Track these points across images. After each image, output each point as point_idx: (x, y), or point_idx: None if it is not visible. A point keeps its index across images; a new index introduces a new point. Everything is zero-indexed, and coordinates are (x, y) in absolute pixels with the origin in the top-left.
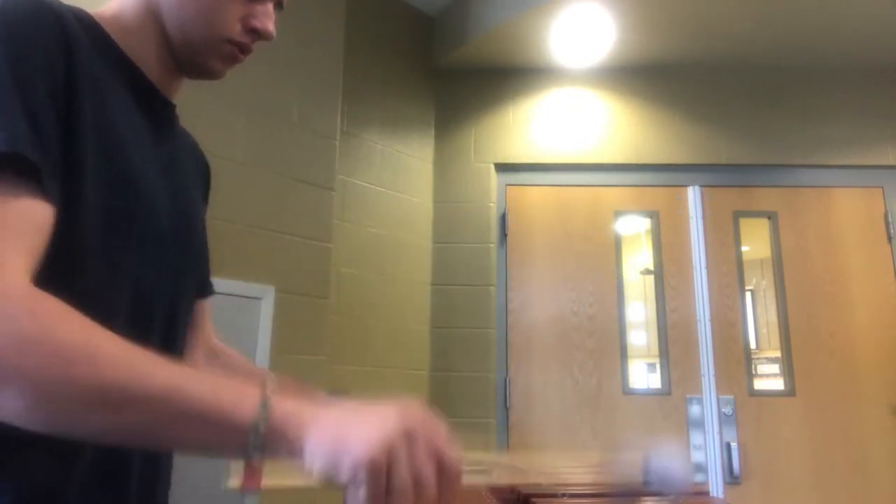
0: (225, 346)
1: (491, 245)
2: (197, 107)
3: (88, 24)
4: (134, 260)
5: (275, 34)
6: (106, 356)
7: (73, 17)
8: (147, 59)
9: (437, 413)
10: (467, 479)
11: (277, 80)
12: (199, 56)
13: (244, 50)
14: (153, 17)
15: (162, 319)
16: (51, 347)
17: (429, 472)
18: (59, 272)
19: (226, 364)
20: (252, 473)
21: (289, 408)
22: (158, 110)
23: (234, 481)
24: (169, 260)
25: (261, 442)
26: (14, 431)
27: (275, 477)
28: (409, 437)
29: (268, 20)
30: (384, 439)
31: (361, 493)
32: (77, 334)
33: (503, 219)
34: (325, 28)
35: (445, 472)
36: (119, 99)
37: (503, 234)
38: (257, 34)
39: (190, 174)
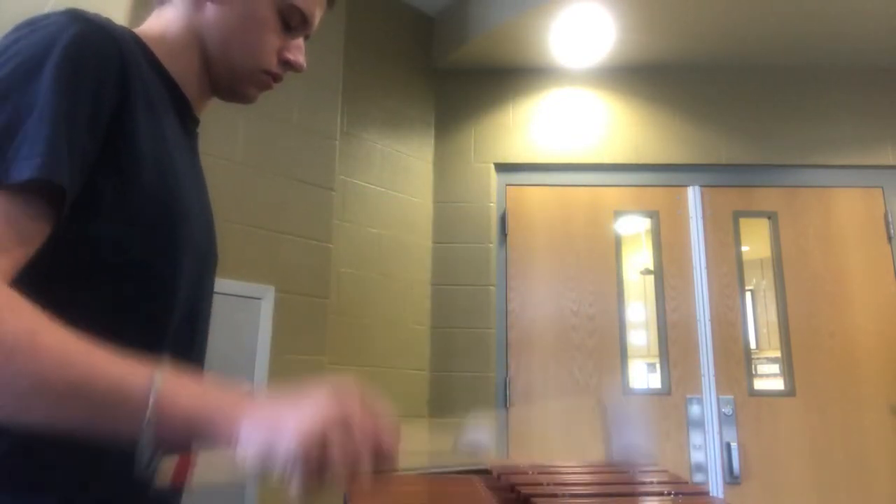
0: None
1: (491, 245)
2: None
3: (141, 46)
4: (175, 270)
5: (305, 66)
6: (47, 348)
7: (132, 41)
8: (187, 78)
9: (377, 403)
10: (404, 462)
11: None
12: (237, 83)
13: (276, 79)
14: (197, 43)
15: (193, 329)
16: None
17: (362, 455)
18: (104, 281)
19: None
20: (181, 468)
21: (212, 398)
22: (191, 127)
23: (163, 477)
24: (201, 270)
25: (152, 427)
26: (40, 447)
27: (205, 472)
28: (342, 422)
29: (300, 53)
30: (317, 426)
31: (295, 478)
32: (21, 325)
33: (503, 219)
34: (325, 28)
35: (380, 455)
36: (168, 116)
37: (503, 234)
38: (290, 66)
39: (206, 187)
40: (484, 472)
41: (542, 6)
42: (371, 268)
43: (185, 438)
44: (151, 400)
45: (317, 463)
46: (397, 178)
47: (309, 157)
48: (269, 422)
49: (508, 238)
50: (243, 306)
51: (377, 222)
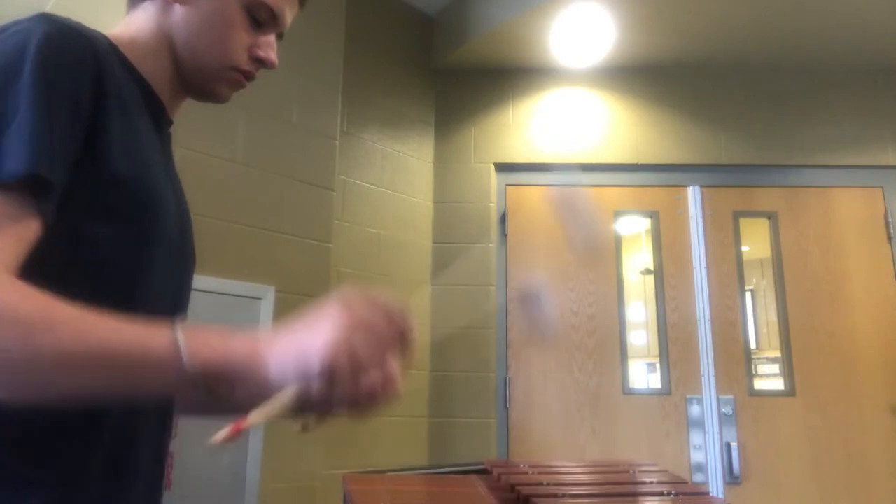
0: None
1: (491, 245)
2: (197, 107)
3: (113, 49)
4: (152, 269)
5: (277, 63)
6: (62, 322)
7: (104, 43)
8: (159, 81)
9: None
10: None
11: (278, 80)
12: (208, 82)
13: (248, 77)
14: (167, 44)
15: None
16: (9, 319)
17: (387, 345)
18: (82, 281)
19: None
20: (235, 423)
21: (232, 345)
22: (165, 128)
23: (219, 435)
24: (178, 267)
25: (195, 372)
26: (31, 434)
27: (254, 416)
28: (360, 324)
29: (270, 50)
30: (339, 334)
31: (338, 389)
32: (33, 305)
33: (503, 219)
34: (325, 28)
35: (402, 336)
36: (141, 117)
37: (503, 234)
38: (261, 63)
39: (181, 185)
40: (484, 472)
41: (542, 6)
42: (371, 268)
43: (213, 387)
44: (183, 348)
45: (351, 368)
46: (397, 178)
47: (309, 157)
48: (294, 348)
49: (508, 238)
50: (243, 306)
51: (377, 222)
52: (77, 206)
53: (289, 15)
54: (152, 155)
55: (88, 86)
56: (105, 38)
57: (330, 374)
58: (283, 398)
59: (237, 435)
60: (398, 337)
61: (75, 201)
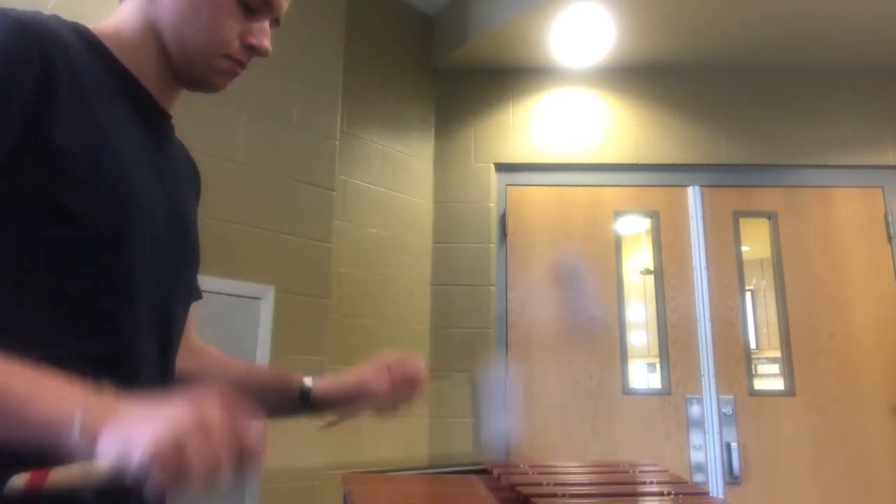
0: (205, 345)
1: (491, 245)
2: (197, 107)
3: (89, 40)
4: (129, 269)
5: (270, 50)
6: None
7: (72, 33)
8: (147, 72)
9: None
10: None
11: (278, 80)
12: (198, 71)
13: (241, 65)
14: (153, 34)
15: (159, 323)
16: None
17: (221, 457)
18: (55, 280)
19: (206, 364)
20: (39, 474)
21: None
22: (157, 121)
23: (20, 480)
24: (164, 264)
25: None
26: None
27: (61, 474)
28: (198, 426)
29: (264, 37)
30: (170, 432)
31: (153, 481)
32: None
33: (503, 219)
34: (325, 28)
35: (244, 454)
36: (118, 110)
37: (503, 234)
38: (254, 50)
39: (186, 182)
40: (484, 472)
41: (542, 6)
42: (371, 268)
43: (39, 446)
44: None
45: (173, 468)
46: (397, 178)
47: (309, 157)
48: (125, 432)
49: (508, 238)
50: (243, 306)
51: (377, 222)
52: (30, 208)
53: (284, 0)
54: (129, 151)
55: (25, 81)
56: (80, 28)
57: (148, 469)
58: (95, 468)
59: (34, 488)
60: (239, 447)
61: (24, 203)
